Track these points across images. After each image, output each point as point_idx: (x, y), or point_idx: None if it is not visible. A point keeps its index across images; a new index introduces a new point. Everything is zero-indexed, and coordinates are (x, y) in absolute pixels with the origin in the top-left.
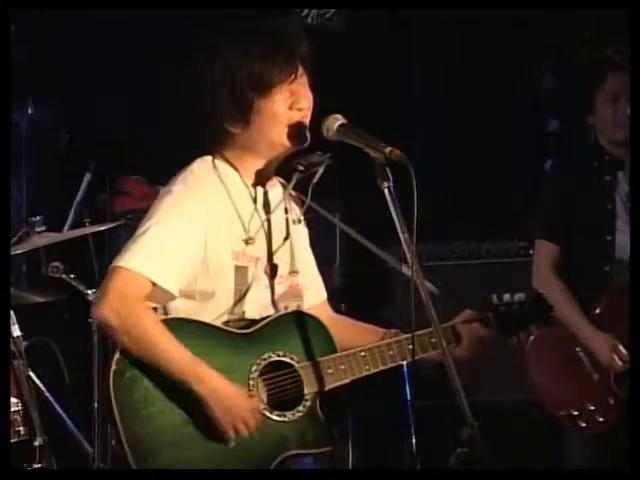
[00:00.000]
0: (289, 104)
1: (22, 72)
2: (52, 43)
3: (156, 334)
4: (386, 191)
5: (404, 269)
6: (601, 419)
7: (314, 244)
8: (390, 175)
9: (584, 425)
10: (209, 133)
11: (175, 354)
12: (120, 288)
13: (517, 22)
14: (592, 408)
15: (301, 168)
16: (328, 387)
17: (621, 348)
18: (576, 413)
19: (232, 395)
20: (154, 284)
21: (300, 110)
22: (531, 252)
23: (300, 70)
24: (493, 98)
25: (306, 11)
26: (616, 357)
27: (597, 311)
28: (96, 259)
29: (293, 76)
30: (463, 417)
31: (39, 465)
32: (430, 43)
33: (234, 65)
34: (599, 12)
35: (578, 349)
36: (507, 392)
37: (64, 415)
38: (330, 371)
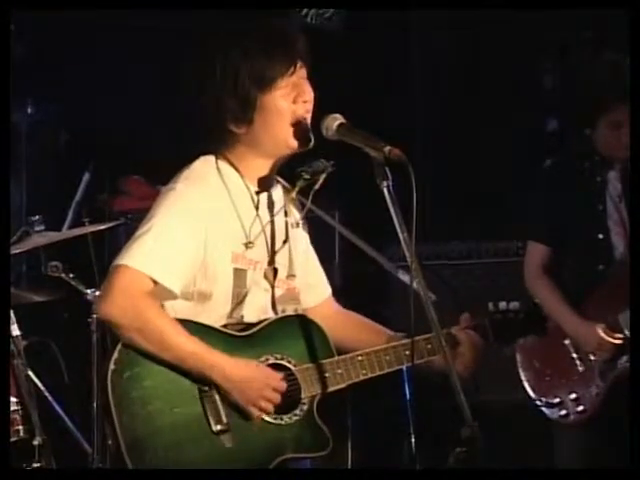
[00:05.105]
0: (293, 98)
1: (22, 72)
2: (52, 43)
3: (167, 327)
4: (385, 190)
5: (400, 275)
6: (580, 408)
7: (313, 244)
8: (389, 174)
9: (563, 413)
10: (211, 134)
11: (188, 344)
12: (124, 286)
13: (517, 22)
14: (573, 396)
15: (307, 176)
16: (325, 391)
17: (605, 336)
18: (557, 401)
19: (248, 375)
20: (155, 282)
21: (305, 102)
22: None
23: (299, 65)
24: (493, 98)
25: (305, 11)
26: (600, 345)
27: (588, 309)
28: (95, 258)
29: (293, 69)
30: (463, 417)
31: (38, 464)
32: (430, 43)
33: (235, 64)
34: (599, 12)
35: (567, 342)
36: (507, 392)
37: (64, 415)
38: (327, 375)
